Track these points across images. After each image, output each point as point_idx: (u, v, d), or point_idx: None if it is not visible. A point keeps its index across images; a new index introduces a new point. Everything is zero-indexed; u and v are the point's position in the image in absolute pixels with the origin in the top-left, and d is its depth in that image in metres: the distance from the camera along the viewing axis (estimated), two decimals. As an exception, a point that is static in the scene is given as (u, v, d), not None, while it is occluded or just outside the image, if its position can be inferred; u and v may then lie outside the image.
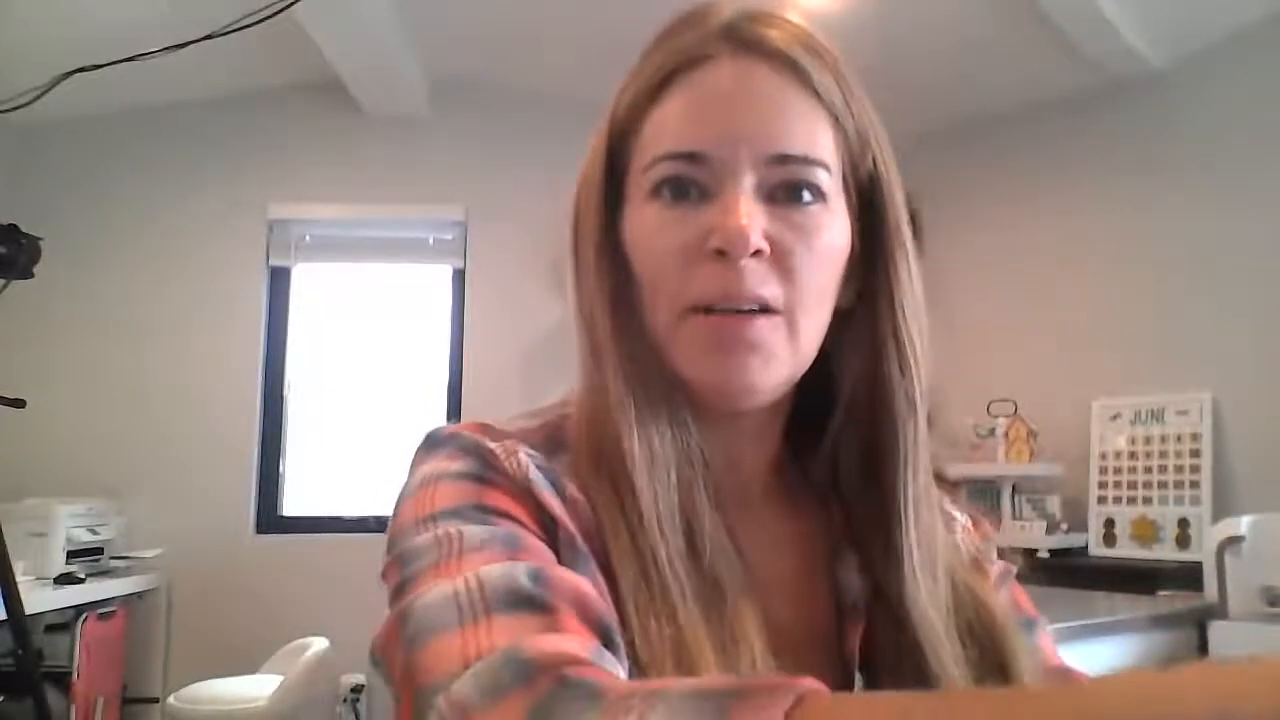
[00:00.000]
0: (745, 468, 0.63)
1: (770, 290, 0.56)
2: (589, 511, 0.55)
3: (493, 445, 0.56)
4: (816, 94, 0.58)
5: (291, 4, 2.48)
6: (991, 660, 0.59)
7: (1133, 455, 2.91)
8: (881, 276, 0.61)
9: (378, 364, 3.67)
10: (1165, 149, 2.94)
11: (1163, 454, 2.84)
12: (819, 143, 0.57)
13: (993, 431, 3.09)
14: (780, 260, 0.56)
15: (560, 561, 0.51)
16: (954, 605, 0.60)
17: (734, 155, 0.56)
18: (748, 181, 0.56)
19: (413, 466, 0.58)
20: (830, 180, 0.58)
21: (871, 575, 0.60)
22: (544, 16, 3.06)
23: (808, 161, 0.57)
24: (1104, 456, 2.98)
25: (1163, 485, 2.82)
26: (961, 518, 0.70)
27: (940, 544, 0.62)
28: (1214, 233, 2.79)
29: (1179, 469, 2.79)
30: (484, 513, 0.52)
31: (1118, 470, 2.94)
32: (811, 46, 0.59)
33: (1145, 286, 2.95)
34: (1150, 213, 2.96)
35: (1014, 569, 0.71)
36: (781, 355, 0.57)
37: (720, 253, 0.55)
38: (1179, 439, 2.80)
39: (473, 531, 0.50)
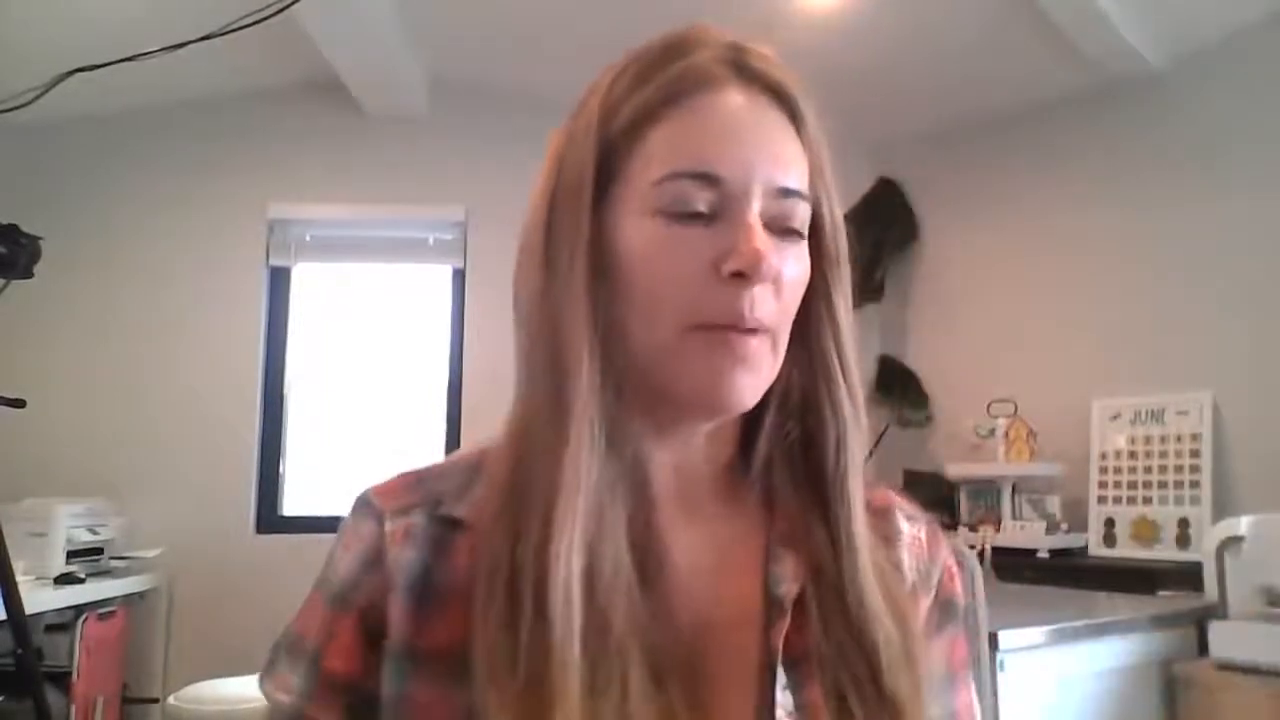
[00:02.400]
0: (696, 471, 0.65)
1: (770, 313, 0.59)
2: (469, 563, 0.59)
3: (390, 527, 0.62)
4: (802, 131, 0.62)
5: (291, 4, 2.48)
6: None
7: (1133, 455, 2.91)
8: (823, 297, 0.64)
9: (378, 364, 3.67)
10: (1165, 148, 2.94)
11: (1163, 454, 2.84)
12: (804, 178, 0.61)
13: (993, 431, 3.09)
14: (774, 285, 0.59)
15: (381, 674, 0.59)
16: None
17: (748, 182, 0.58)
18: (755, 208, 0.58)
19: (341, 526, 0.66)
20: (807, 213, 0.61)
21: (815, 569, 0.62)
22: (544, 17, 3.06)
23: (801, 196, 0.61)
24: (1104, 456, 2.98)
25: (1163, 485, 2.82)
26: (910, 530, 0.70)
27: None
28: (1214, 233, 2.79)
29: (1179, 469, 2.79)
30: (314, 677, 0.62)
31: (1118, 470, 2.94)
32: (800, 85, 0.62)
33: (1145, 286, 2.95)
34: (1150, 212, 2.95)
35: (960, 606, 0.71)
36: (767, 372, 0.61)
37: (739, 275, 0.57)
38: (1179, 439, 2.80)
39: (282, 711, 0.62)
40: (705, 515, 0.65)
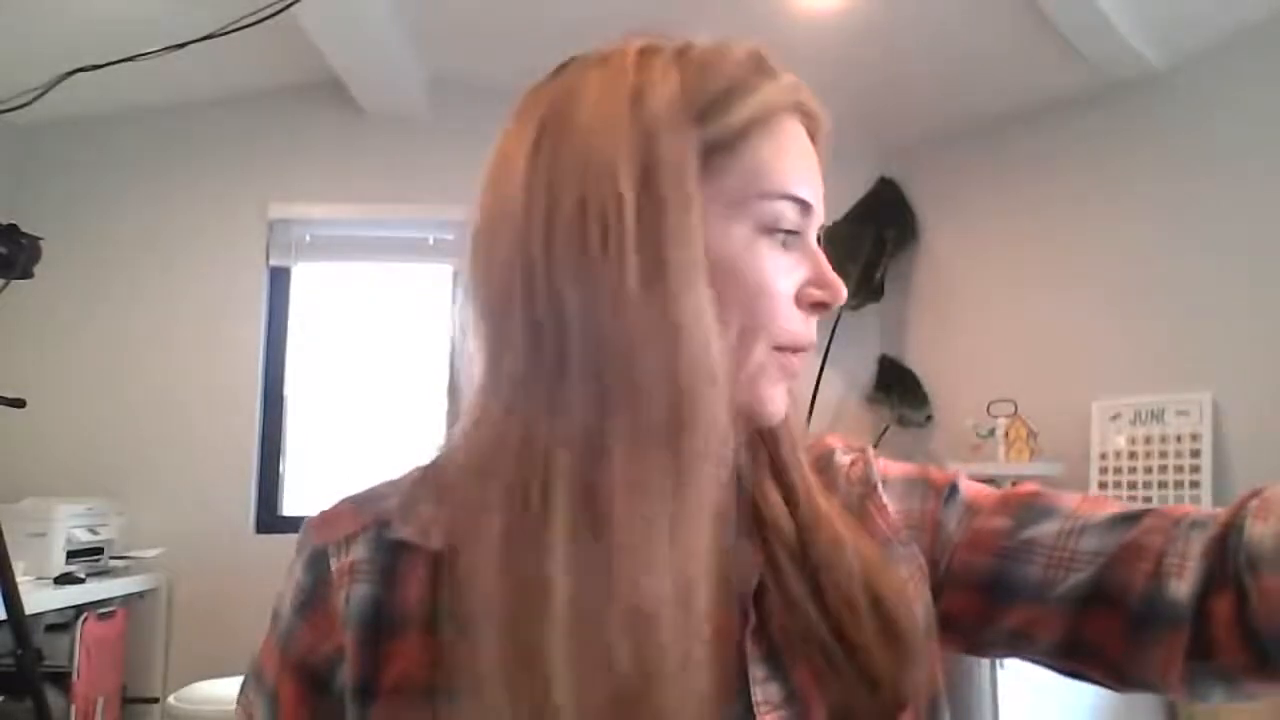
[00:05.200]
0: None
1: None
2: (427, 587, 0.59)
3: (336, 565, 0.62)
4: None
5: (291, 4, 2.48)
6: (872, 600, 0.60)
7: (1133, 455, 2.91)
8: None
9: (378, 364, 3.67)
10: (1165, 149, 2.94)
11: (1163, 454, 2.84)
12: None
13: (993, 431, 3.09)
14: None
15: (331, 714, 0.59)
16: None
17: (819, 213, 0.63)
18: (815, 237, 0.63)
19: (296, 549, 0.66)
20: None
21: (775, 547, 0.61)
22: (545, 16, 3.06)
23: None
24: (1104, 456, 2.98)
25: (1163, 485, 2.82)
26: (844, 460, 0.70)
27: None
28: (1214, 232, 2.79)
29: (1179, 469, 2.79)
30: (273, 713, 0.63)
31: (1118, 470, 2.94)
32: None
33: (1146, 286, 2.95)
34: (1150, 213, 2.95)
35: (916, 475, 0.70)
36: None
37: (822, 305, 0.61)
38: (1179, 439, 2.80)
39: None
40: None
